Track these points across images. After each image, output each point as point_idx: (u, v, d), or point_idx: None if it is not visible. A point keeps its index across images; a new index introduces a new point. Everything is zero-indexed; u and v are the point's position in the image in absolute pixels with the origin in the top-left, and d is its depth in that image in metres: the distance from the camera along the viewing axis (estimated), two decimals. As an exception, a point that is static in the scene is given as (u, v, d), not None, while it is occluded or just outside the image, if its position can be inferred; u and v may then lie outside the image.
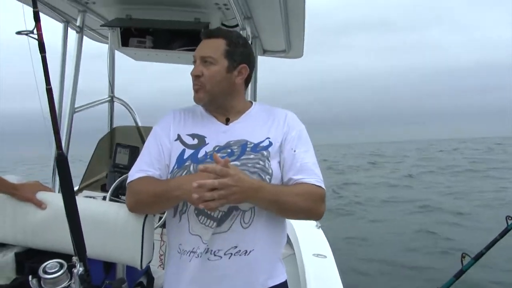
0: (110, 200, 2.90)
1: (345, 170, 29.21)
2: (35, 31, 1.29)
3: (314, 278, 2.81)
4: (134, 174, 1.69)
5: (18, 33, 1.29)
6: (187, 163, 1.65)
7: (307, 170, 1.66)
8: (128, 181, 1.69)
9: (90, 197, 3.14)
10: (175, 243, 1.70)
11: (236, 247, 1.60)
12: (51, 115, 1.33)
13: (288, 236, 3.65)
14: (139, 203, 1.69)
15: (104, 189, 3.27)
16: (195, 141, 1.70)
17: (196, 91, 1.70)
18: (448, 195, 15.79)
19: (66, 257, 1.54)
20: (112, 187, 2.93)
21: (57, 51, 3.08)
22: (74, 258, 1.43)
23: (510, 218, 1.81)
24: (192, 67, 1.70)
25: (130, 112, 3.83)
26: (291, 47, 3.58)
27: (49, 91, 1.32)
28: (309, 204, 1.63)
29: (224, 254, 1.60)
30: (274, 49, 3.70)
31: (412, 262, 9.09)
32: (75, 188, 3.44)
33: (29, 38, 1.28)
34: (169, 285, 1.73)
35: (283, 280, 1.74)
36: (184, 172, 1.63)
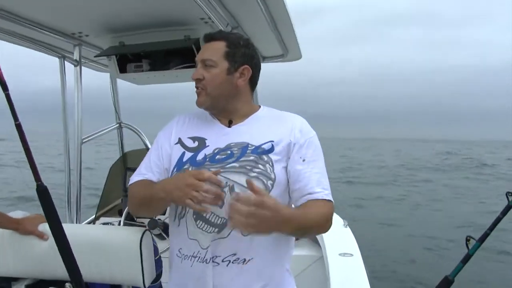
0: (125, 224, 2.95)
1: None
2: None
3: (339, 278, 2.77)
4: (133, 178, 1.73)
5: None
6: (186, 166, 1.64)
7: (317, 182, 1.62)
8: (128, 185, 1.74)
9: (108, 223, 3.21)
10: (176, 247, 1.69)
11: (235, 254, 1.57)
12: (24, 150, 1.37)
13: (316, 239, 3.63)
14: (133, 204, 1.76)
15: (121, 214, 3.33)
16: (195, 144, 1.69)
17: (197, 94, 1.70)
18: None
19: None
20: (124, 211, 2.99)
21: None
22: (67, 284, 1.47)
23: (510, 194, 1.75)
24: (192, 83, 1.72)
25: (139, 136, 3.90)
26: (288, 50, 3.57)
27: (18, 126, 1.36)
28: (323, 224, 1.60)
29: (222, 261, 1.57)
30: (272, 55, 3.69)
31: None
32: (93, 217, 3.53)
33: None
34: None
35: None
36: None
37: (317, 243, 3.62)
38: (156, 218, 3.04)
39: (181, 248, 1.66)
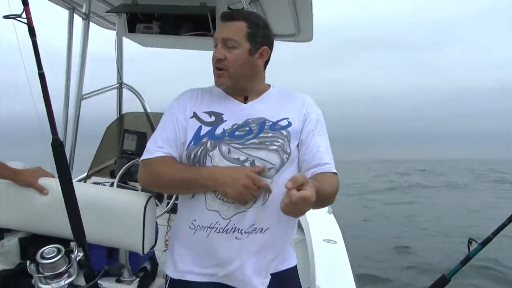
0: (118, 186, 2.91)
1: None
2: (23, 15, 1.25)
3: (323, 264, 2.79)
4: (152, 151, 1.66)
5: (6, 17, 1.25)
6: (204, 140, 1.63)
7: (325, 154, 1.69)
8: (145, 157, 1.67)
9: (99, 183, 3.16)
10: (188, 219, 1.67)
11: (253, 225, 1.60)
12: (44, 101, 1.31)
13: (299, 221, 3.65)
14: (158, 184, 1.69)
15: (113, 175, 3.28)
16: (212, 119, 1.68)
17: (218, 76, 1.68)
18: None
19: (69, 242, 1.54)
20: (119, 173, 2.94)
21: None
22: (72, 243, 1.43)
23: (518, 203, 1.76)
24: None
25: (139, 98, 3.84)
26: (300, 30, 3.51)
27: (41, 76, 1.29)
28: (333, 194, 1.64)
29: (241, 231, 1.60)
30: (283, 33, 3.63)
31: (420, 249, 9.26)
32: (84, 175, 3.48)
33: (17, 22, 1.24)
34: (182, 258, 1.69)
35: (293, 264, 1.75)
36: (201, 149, 1.62)
37: (299, 227, 3.64)
38: None
39: (195, 220, 1.64)
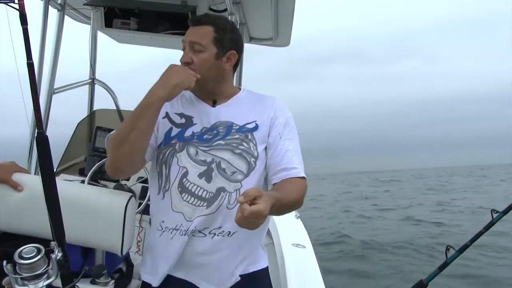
0: (89, 184, 2.83)
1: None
2: (16, 0, 1.19)
3: (293, 268, 2.80)
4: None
5: None
6: (173, 141, 1.67)
7: (292, 158, 1.69)
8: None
9: (68, 180, 3.07)
10: (157, 220, 1.69)
11: (220, 227, 1.62)
12: (31, 91, 1.25)
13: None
14: (112, 150, 1.62)
15: (82, 173, 3.20)
16: (183, 120, 1.71)
17: None
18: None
19: (43, 241, 1.47)
20: (91, 171, 2.86)
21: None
22: (53, 243, 1.37)
23: (495, 212, 1.82)
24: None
25: (111, 95, 3.73)
26: (278, 34, 3.53)
27: (30, 66, 1.23)
28: (299, 200, 1.65)
29: (209, 233, 1.61)
30: (261, 37, 3.64)
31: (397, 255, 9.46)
32: (52, 171, 3.37)
33: (9, 8, 1.18)
34: (150, 262, 1.71)
35: (264, 266, 1.77)
36: (170, 149, 1.66)
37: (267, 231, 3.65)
38: (122, 183, 2.95)
39: (163, 221, 1.67)
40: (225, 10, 2.76)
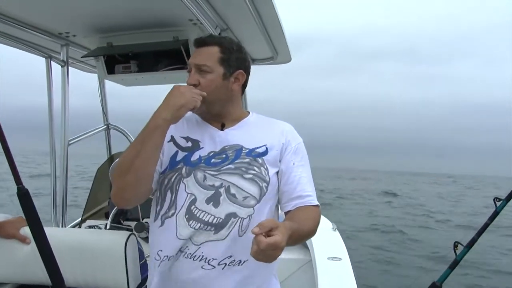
0: (112, 227, 2.91)
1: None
2: None
3: (327, 282, 2.76)
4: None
5: None
6: (179, 166, 1.63)
7: (306, 186, 1.66)
8: (110, 173, 1.67)
9: (94, 226, 3.16)
10: (155, 249, 1.63)
11: (231, 256, 1.56)
12: (3, 149, 1.32)
13: (305, 242, 3.62)
14: (120, 174, 1.54)
15: (108, 216, 3.29)
16: (189, 144, 1.68)
17: None
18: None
19: None
20: (111, 214, 2.95)
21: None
22: None
23: (498, 200, 1.76)
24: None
25: (127, 137, 3.86)
26: (277, 53, 3.55)
27: None
28: (314, 229, 1.62)
29: (218, 264, 1.55)
30: (261, 57, 3.67)
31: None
32: (79, 219, 3.48)
33: None
34: None
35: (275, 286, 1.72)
36: (176, 174, 1.62)
37: (305, 247, 3.61)
38: (144, 222, 3.01)
39: (161, 250, 1.61)
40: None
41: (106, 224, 2.96)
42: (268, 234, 1.26)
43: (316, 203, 1.65)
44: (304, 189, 1.65)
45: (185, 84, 1.68)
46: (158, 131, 1.52)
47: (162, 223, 1.61)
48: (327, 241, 3.67)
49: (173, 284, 1.59)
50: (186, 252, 1.56)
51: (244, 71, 1.72)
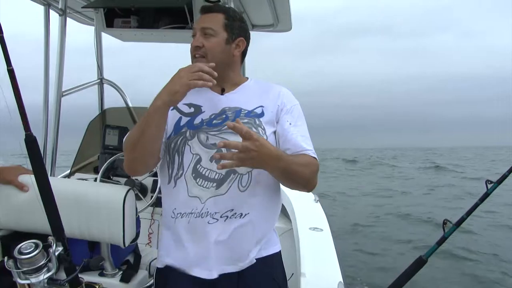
0: (101, 181, 2.92)
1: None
2: None
3: (308, 251, 2.81)
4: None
5: None
6: (183, 130, 1.69)
7: (304, 142, 1.71)
8: (123, 145, 1.69)
9: (83, 179, 3.16)
10: (170, 209, 1.71)
11: (232, 209, 1.64)
12: (15, 96, 1.31)
13: (286, 211, 3.67)
14: (128, 151, 1.66)
15: (96, 171, 3.29)
16: (191, 110, 1.74)
17: (196, 62, 1.70)
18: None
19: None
20: (102, 168, 2.95)
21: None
22: (50, 237, 1.43)
23: (489, 182, 1.80)
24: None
25: (120, 94, 3.83)
26: (278, 20, 3.53)
27: (10, 72, 1.29)
28: (310, 175, 1.67)
29: (221, 216, 1.63)
30: (262, 24, 3.64)
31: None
32: (68, 172, 3.47)
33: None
34: (167, 248, 1.71)
35: (277, 250, 1.78)
36: (181, 138, 1.68)
37: (287, 217, 3.67)
38: (133, 178, 3.02)
39: (175, 208, 1.69)
40: (219, 1, 2.77)
41: (96, 179, 2.96)
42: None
43: (315, 155, 1.71)
44: (301, 145, 1.70)
45: (190, 44, 1.73)
46: (159, 112, 1.58)
47: (175, 184, 1.69)
48: (309, 212, 3.73)
49: (190, 236, 1.66)
50: (195, 213, 1.64)
51: (244, 39, 1.79)
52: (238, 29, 1.76)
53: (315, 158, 1.71)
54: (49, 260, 1.42)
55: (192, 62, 1.73)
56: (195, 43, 1.72)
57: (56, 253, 1.45)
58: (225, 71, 1.76)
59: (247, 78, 1.88)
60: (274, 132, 1.73)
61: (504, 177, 1.75)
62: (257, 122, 1.70)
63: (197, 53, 1.72)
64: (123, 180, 3.05)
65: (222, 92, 1.78)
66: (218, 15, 1.74)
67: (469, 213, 1.79)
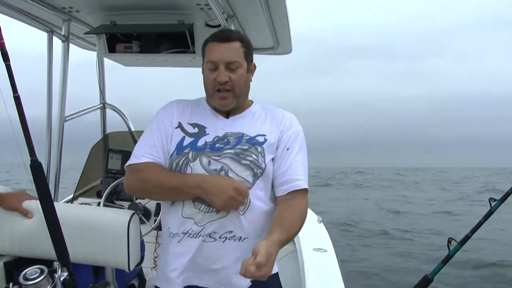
0: (104, 206, 2.91)
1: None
2: None
3: (313, 273, 2.79)
4: (139, 156, 1.69)
5: None
6: (186, 150, 1.69)
7: (297, 170, 1.71)
8: (131, 162, 1.69)
9: (86, 203, 3.15)
10: (166, 226, 1.74)
11: (231, 232, 1.64)
12: (21, 122, 1.33)
13: None
14: (144, 190, 1.72)
15: (99, 195, 3.28)
16: (196, 130, 1.74)
17: (223, 98, 1.72)
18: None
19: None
20: (105, 192, 2.94)
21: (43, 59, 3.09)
22: (55, 263, 1.44)
23: (493, 200, 1.81)
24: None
25: (123, 118, 3.85)
26: (279, 43, 3.56)
27: (16, 98, 1.31)
28: (302, 225, 1.67)
29: (219, 237, 1.63)
30: (262, 47, 3.68)
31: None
32: (71, 196, 3.47)
33: None
34: (162, 268, 1.73)
35: (274, 272, 1.74)
36: (183, 159, 1.68)
37: None
38: (137, 202, 3.02)
39: (169, 228, 1.71)
40: (220, 25, 2.81)
41: (99, 203, 2.96)
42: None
43: (305, 186, 1.70)
44: (294, 172, 1.70)
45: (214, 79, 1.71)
46: (188, 195, 1.64)
47: (172, 202, 1.70)
48: (312, 233, 3.71)
49: (182, 254, 1.67)
50: (190, 233, 1.65)
51: (254, 63, 1.81)
52: (251, 55, 1.77)
53: (305, 189, 1.71)
54: (55, 286, 1.43)
55: (213, 95, 1.73)
56: (222, 78, 1.68)
57: (61, 278, 1.46)
58: (245, 99, 1.80)
59: (252, 102, 1.88)
60: (273, 159, 1.74)
61: (507, 194, 1.75)
62: (259, 149, 1.70)
63: (222, 87, 1.70)
64: (126, 204, 3.04)
65: (227, 115, 1.79)
66: (236, 44, 1.72)
67: (473, 231, 1.79)
